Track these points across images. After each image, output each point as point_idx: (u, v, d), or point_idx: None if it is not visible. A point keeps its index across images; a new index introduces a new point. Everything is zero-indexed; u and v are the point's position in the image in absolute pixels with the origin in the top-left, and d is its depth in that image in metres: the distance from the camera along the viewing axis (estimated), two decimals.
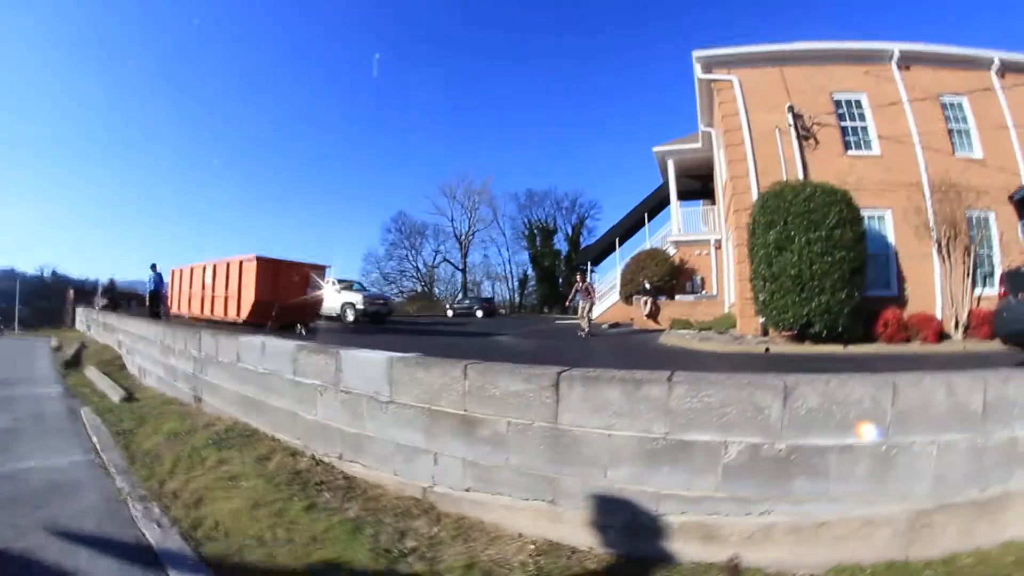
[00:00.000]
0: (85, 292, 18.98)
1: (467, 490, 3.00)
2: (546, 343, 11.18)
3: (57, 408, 6.36)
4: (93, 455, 4.52)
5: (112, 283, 18.26)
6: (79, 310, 19.72)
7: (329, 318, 17.04)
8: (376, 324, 17.06)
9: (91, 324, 15.96)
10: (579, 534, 2.67)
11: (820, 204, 9.20)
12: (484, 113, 72.37)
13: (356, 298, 17.01)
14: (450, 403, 3.00)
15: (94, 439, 4.94)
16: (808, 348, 8.97)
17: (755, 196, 11.16)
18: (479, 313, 30.54)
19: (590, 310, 13.62)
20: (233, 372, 5.14)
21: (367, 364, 3.50)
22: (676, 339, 11.12)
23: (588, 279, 16.66)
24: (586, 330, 12.99)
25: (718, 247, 17.45)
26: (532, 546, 2.73)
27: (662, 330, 14.21)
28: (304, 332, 11.65)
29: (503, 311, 38.61)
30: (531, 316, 36.08)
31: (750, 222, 10.30)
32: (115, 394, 6.88)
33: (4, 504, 3.45)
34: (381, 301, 18.49)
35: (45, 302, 31.16)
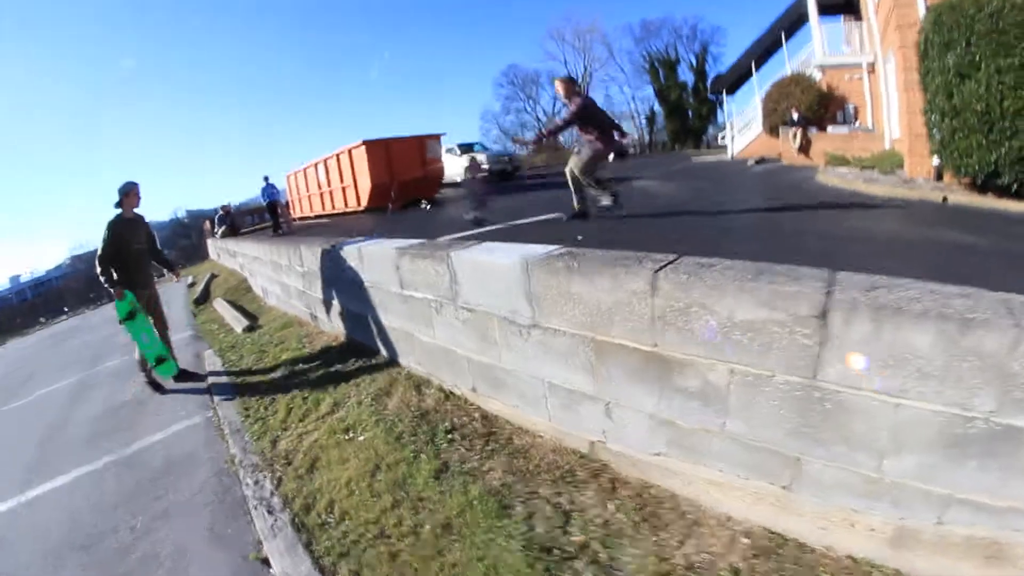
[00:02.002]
0: (214, 222, 20.52)
1: (656, 454, 2.09)
2: (696, 187, 9.63)
3: (182, 358, 6.56)
4: (210, 412, 4.39)
5: (227, 208, 19.26)
6: (208, 242, 21.31)
7: (455, 185, 17.05)
8: (505, 182, 16.79)
9: (219, 252, 17.02)
10: (816, 531, 1.74)
11: (1013, 23, 7.06)
12: None
13: (478, 159, 16.86)
14: (629, 333, 1.99)
15: (212, 392, 4.82)
16: (993, 202, 7.14)
17: (922, 10, 9.02)
18: (610, 156, 29.88)
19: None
20: (337, 285, 4.63)
21: (491, 273, 2.55)
22: (837, 179, 9.79)
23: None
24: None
25: (871, 71, 14.70)
26: (746, 540, 1.82)
27: (815, 167, 12.32)
28: (429, 206, 11.67)
29: (633, 150, 37.82)
30: (664, 155, 34.36)
31: (920, 40, 8.26)
32: (239, 325, 7.00)
33: (127, 499, 3.42)
34: (506, 158, 18.37)
35: (187, 240, 35.36)
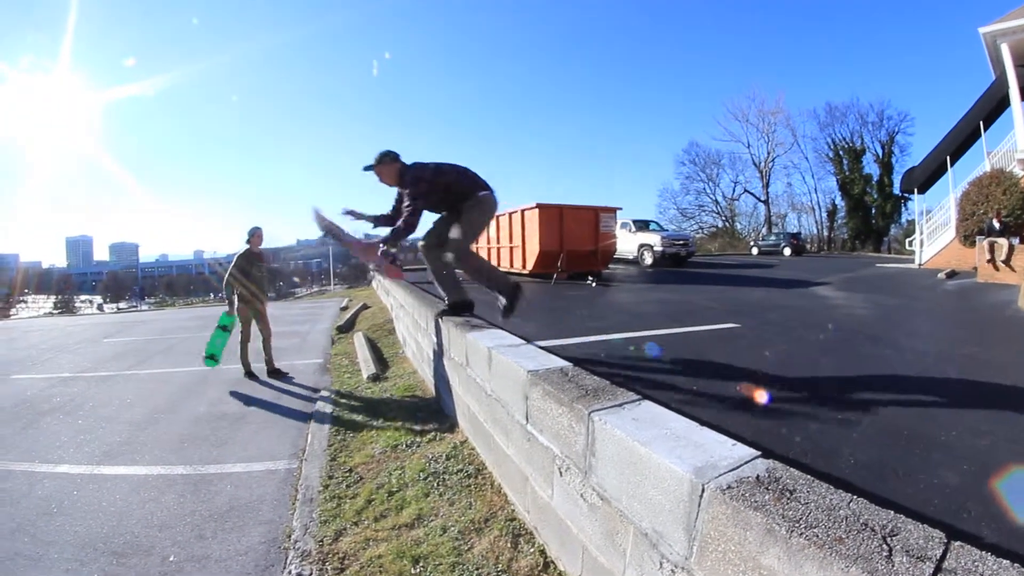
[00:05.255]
0: None
1: None
2: (883, 306, 8.37)
3: (303, 385, 7.05)
4: (296, 463, 4.47)
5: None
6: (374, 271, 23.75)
7: (626, 262, 17.90)
8: (676, 267, 17.05)
9: (377, 285, 18.29)
10: None
11: None
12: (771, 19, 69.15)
13: (654, 239, 17.69)
14: None
15: (309, 439, 5.01)
16: None
17: None
18: (787, 251, 30.45)
19: None
20: (462, 376, 4.42)
21: (641, 470, 1.97)
22: None
23: None
24: None
25: None
26: None
27: (1014, 286, 10.49)
28: (596, 282, 11.70)
29: (810, 247, 37.31)
30: (843, 256, 32.67)
31: None
32: (366, 370, 7.30)
33: (175, 524, 3.63)
34: (681, 241, 18.53)
35: (358, 260, 39.95)
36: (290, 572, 3.00)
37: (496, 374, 3.54)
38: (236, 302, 7.22)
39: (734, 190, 51.93)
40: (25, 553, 3.42)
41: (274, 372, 7.54)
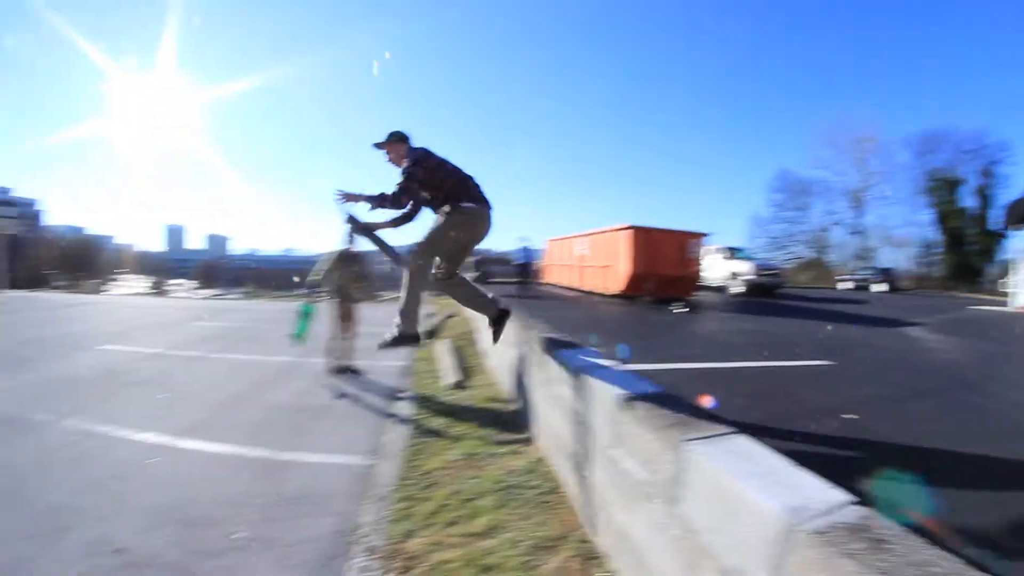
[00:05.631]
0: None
1: None
2: (980, 352, 8.10)
3: (384, 386, 7.23)
4: (371, 460, 4.65)
5: (481, 255, 22.44)
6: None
7: (714, 289, 18.11)
8: (764, 297, 17.06)
9: None
10: None
11: None
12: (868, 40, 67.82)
13: (743, 267, 17.99)
14: None
15: (386, 438, 5.19)
16: None
17: None
18: (879, 287, 30.86)
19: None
20: (547, 392, 4.46)
21: (729, 505, 1.96)
22: None
23: None
24: None
25: None
26: None
27: None
28: (681, 308, 11.90)
29: (903, 283, 36.38)
30: (936, 295, 31.06)
31: None
32: (449, 377, 7.51)
33: (246, 503, 3.85)
34: (770, 271, 18.63)
35: None
36: (355, 565, 3.10)
37: (584, 394, 3.56)
38: (323, 295, 7.59)
39: (826, 220, 50.68)
40: (97, 510, 3.75)
41: (350, 370, 7.89)
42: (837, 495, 1.84)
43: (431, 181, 4.39)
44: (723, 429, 2.42)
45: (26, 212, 51.64)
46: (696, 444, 2.24)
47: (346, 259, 7.57)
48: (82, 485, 4.08)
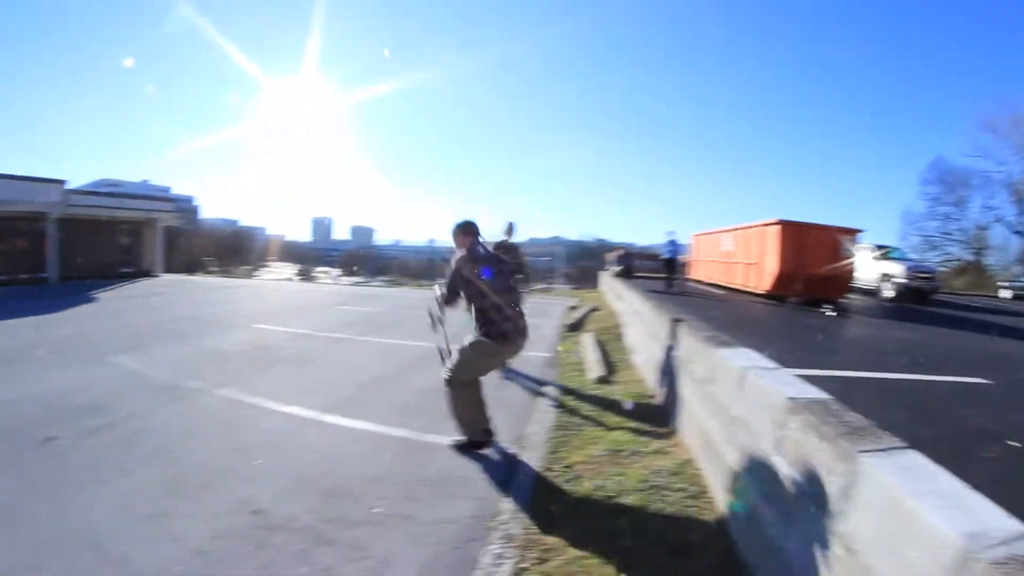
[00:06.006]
0: (613, 258, 23.46)
1: None
2: None
3: (529, 376, 7.52)
4: (515, 449, 4.80)
5: (627, 249, 22.36)
6: (601, 274, 24.66)
7: (863, 292, 17.06)
8: (918, 303, 15.89)
9: (608, 289, 18.91)
10: None
11: None
12: None
13: (896, 269, 16.83)
14: None
15: (531, 428, 5.34)
16: None
17: None
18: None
19: None
20: (702, 392, 4.38)
21: (904, 525, 1.84)
22: None
23: None
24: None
25: None
26: None
27: None
28: (831, 312, 11.41)
29: None
30: None
31: None
32: (593, 371, 7.58)
33: (387, 480, 4.13)
34: (926, 274, 17.24)
35: (587, 264, 41.74)
36: (491, 551, 3.20)
37: (746, 396, 3.47)
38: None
39: (984, 218, 43.54)
40: (242, 472, 4.20)
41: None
42: (1016, 525, 1.71)
43: (467, 290, 4.58)
44: (895, 442, 2.27)
45: (184, 207, 57.59)
46: (871, 456, 2.13)
47: (504, 250, 7.76)
48: (230, 449, 4.57)
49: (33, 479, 3.95)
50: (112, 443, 4.66)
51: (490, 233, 7.76)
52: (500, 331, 4.51)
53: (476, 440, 4.71)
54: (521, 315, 4.70)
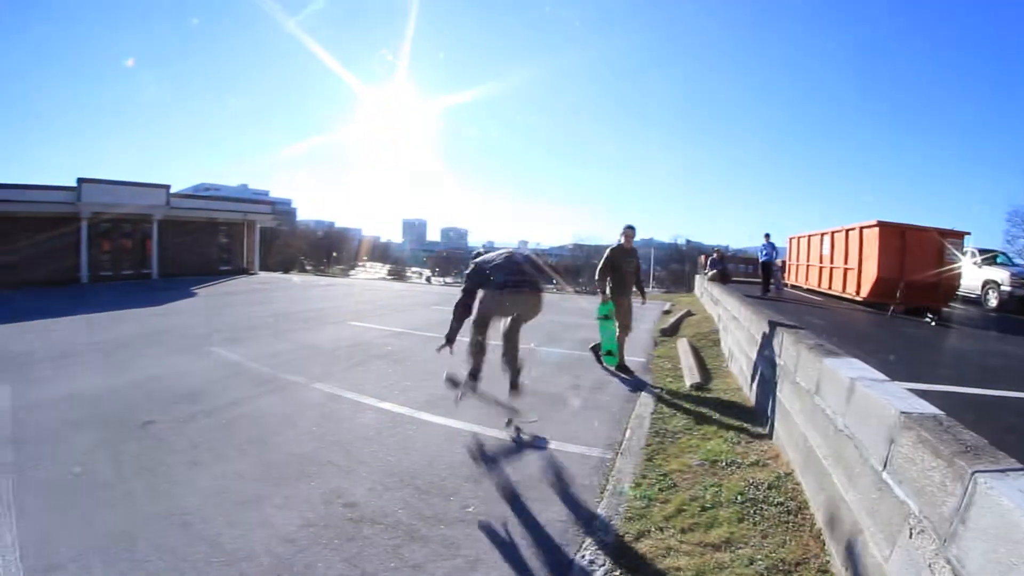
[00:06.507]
0: (707, 261, 22.92)
1: None
2: None
3: (624, 384, 7.47)
4: (611, 454, 4.80)
5: (721, 252, 21.71)
6: (696, 277, 24.18)
7: (965, 301, 15.85)
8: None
9: (703, 292, 18.53)
10: None
11: None
12: None
13: (1001, 275, 15.32)
14: None
15: (627, 434, 5.31)
16: None
17: None
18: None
19: None
20: (805, 403, 4.22)
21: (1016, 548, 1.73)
22: None
23: None
24: None
25: None
26: None
27: None
28: (935, 321, 10.75)
29: None
30: None
31: None
32: (689, 378, 7.47)
33: (486, 478, 4.22)
34: None
35: (678, 266, 41.29)
36: (583, 556, 3.21)
37: (855, 408, 3.33)
38: (608, 291, 8.09)
39: None
40: (338, 463, 4.37)
41: (623, 367, 8.15)
42: None
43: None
44: (1014, 463, 2.13)
45: (282, 209, 60.21)
46: (989, 477, 2.00)
47: (620, 255, 8.09)
48: (326, 442, 4.78)
49: (131, 460, 4.26)
50: (210, 429, 4.99)
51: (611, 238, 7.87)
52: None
53: (470, 375, 5.50)
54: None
